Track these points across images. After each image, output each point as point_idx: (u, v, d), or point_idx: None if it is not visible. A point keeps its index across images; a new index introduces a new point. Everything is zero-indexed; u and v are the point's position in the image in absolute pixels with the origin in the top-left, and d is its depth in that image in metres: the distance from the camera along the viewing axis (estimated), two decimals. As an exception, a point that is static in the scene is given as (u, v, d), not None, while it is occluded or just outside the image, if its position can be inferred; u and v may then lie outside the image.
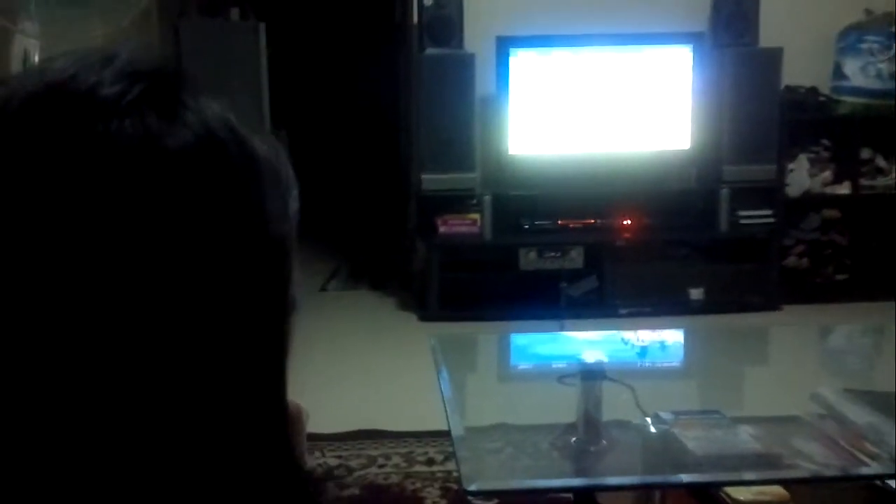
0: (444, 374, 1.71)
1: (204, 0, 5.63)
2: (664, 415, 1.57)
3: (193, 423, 0.40)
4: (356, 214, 6.09)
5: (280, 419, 0.47)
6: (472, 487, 1.22)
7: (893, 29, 3.75)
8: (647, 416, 1.65)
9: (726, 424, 1.47)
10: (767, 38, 3.69)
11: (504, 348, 3.09)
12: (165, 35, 5.22)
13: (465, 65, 3.55)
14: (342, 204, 6.28)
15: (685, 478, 1.28)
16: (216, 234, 0.41)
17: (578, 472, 1.49)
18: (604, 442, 1.55)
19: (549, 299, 3.66)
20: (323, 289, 4.41)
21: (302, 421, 0.65)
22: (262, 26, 5.74)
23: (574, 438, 1.58)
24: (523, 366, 2.93)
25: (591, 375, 1.55)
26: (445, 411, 1.53)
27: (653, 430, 1.28)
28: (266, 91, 5.78)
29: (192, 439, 0.39)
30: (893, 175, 3.82)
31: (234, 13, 5.63)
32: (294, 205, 0.47)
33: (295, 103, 6.34)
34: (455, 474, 2.03)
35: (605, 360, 1.94)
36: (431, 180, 3.63)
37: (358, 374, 3.09)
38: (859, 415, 1.43)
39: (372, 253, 5.19)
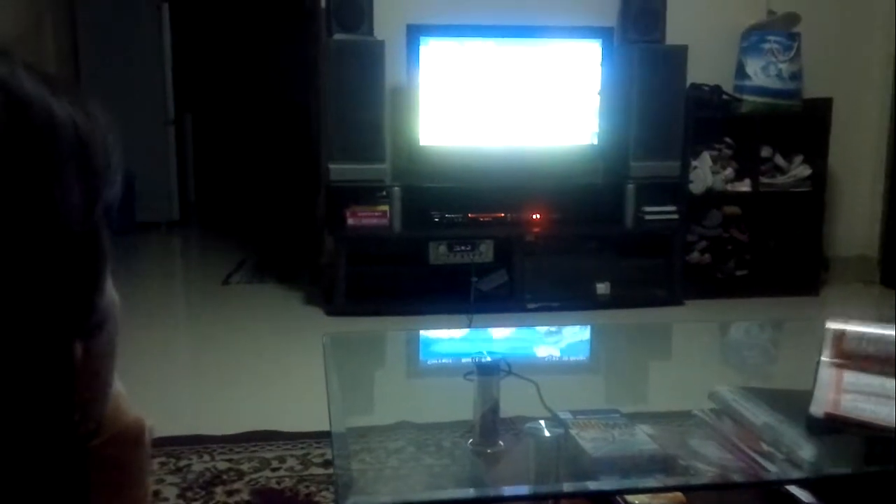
0: (333, 374, 1.62)
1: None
2: (562, 414, 1.53)
3: None
4: (266, 204, 5.91)
5: (62, 452, 0.38)
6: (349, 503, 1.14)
7: (794, 30, 3.86)
8: (549, 414, 1.61)
9: (624, 424, 1.44)
10: (674, 35, 3.74)
11: (411, 344, 3.03)
12: (59, 13, 4.93)
13: (374, 52, 3.45)
14: (251, 193, 6.08)
15: (578, 486, 1.23)
16: None
17: (469, 482, 1.43)
18: (500, 443, 1.50)
19: (458, 294, 3.62)
20: (225, 282, 4.24)
21: (145, 438, 0.57)
22: (166, 6, 5.50)
23: (470, 440, 1.53)
24: (430, 362, 2.88)
25: (487, 372, 1.49)
26: (329, 413, 1.45)
27: (547, 433, 1.23)
28: (169, 74, 5.54)
29: None
30: (791, 173, 3.94)
31: (135, -9, 5.36)
32: (110, 190, 0.38)
33: (202, 88, 6.09)
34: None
35: (507, 355, 1.89)
36: (340, 170, 3.52)
37: (257, 372, 2.96)
38: (755, 414, 1.43)
39: (281, 245, 5.04)
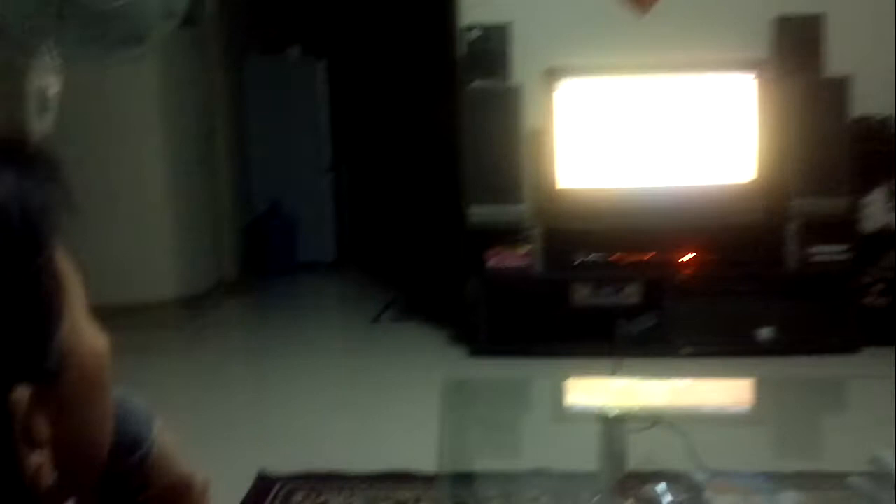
0: (448, 419, 1.60)
1: (267, 38, 5.74)
2: (699, 474, 1.42)
3: None
4: (416, 246, 6.05)
5: None
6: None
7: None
8: (689, 471, 1.50)
9: (767, 490, 1.30)
10: (835, 64, 3.47)
11: (555, 389, 2.96)
12: (230, 73, 5.35)
13: (510, 97, 3.49)
14: (402, 235, 6.26)
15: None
16: None
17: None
18: (630, 501, 1.41)
19: (603, 337, 3.50)
20: (375, 320, 4.35)
21: (193, 493, 0.57)
22: (323, 63, 5.82)
23: (597, 497, 1.44)
24: (574, 408, 2.80)
25: (613, 425, 1.41)
26: (439, 458, 1.42)
27: (669, 499, 1.14)
28: (326, 127, 5.85)
29: None
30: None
31: (295, 50, 5.73)
32: (45, 279, 0.40)
33: (356, 137, 6.38)
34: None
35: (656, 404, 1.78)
36: (479, 213, 3.54)
37: (398, 411, 3.00)
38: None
39: (429, 285, 5.12)
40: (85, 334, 0.44)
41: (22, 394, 0.39)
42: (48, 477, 0.40)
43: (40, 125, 1.90)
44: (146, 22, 1.83)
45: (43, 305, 0.40)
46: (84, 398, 0.43)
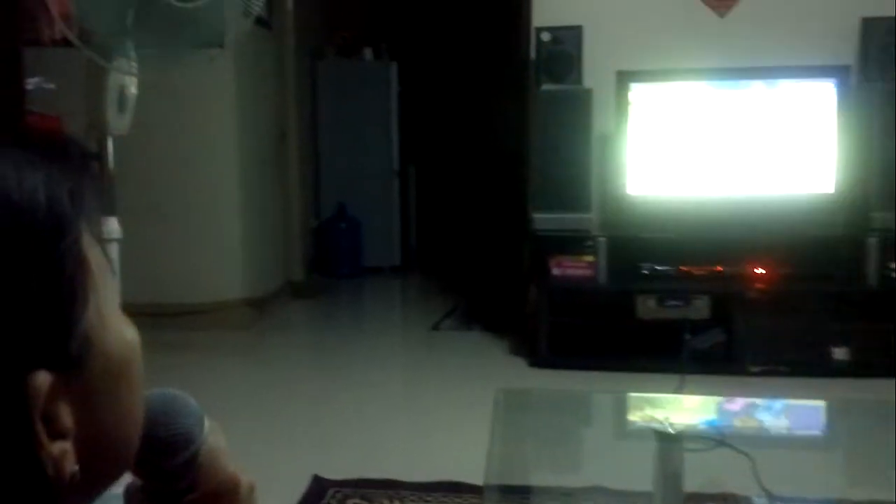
0: (499, 431, 1.57)
1: (340, 41, 5.83)
2: (758, 500, 1.35)
3: None
4: (480, 252, 6.03)
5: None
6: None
7: None
8: (751, 495, 1.44)
9: (832, 519, 1.23)
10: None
11: (616, 404, 2.90)
12: (303, 74, 5.45)
13: (581, 100, 3.41)
14: (467, 241, 6.25)
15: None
16: None
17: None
18: (684, 526, 1.35)
19: (668, 352, 3.40)
20: (435, 328, 4.34)
21: (239, 494, 0.56)
22: (395, 66, 5.88)
23: (650, 518, 1.39)
24: (634, 425, 2.73)
25: (670, 444, 1.36)
26: (486, 468, 1.39)
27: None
28: (396, 128, 5.89)
29: None
30: None
31: (368, 53, 5.80)
32: (68, 264, 0.39)
33: (425, 140, 6.41)
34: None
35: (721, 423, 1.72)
36: (544, 220, 3.49)
37: (453, 419, 2.97)
38: None
39: (490, 293, 5.09)
40: (112, 324, 0.43)
41: (43, 379, 0.37)
42: (71, 466, 0.39)
43: (119, 125, 1.97)
44: (223, 23, 1.87)
45: (66, 289, 0.39)
46: (111, 390, 0.42)
